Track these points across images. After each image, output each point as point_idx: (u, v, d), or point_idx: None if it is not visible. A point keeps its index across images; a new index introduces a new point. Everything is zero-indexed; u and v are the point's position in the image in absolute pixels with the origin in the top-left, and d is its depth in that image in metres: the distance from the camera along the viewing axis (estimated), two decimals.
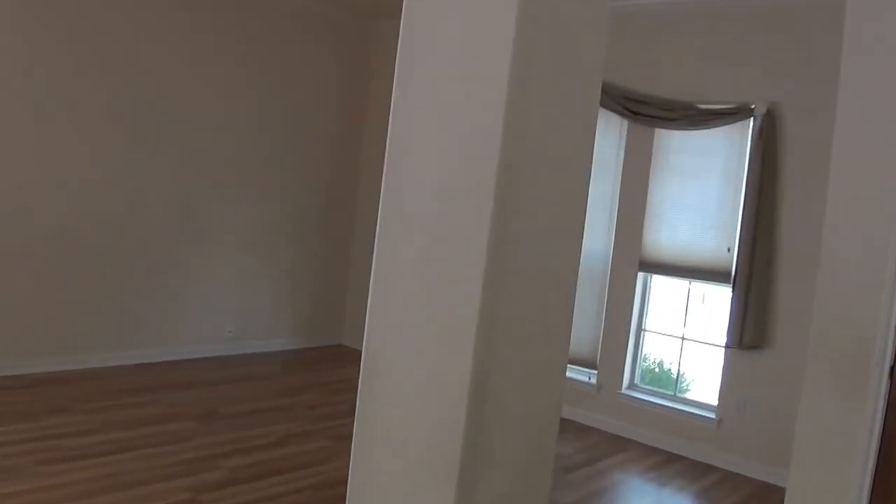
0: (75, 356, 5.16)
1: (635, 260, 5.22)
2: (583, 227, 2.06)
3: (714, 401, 4.89)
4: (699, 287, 5.14)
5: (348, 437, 2.21)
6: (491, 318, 1.68)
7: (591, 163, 2.03)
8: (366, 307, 2.07)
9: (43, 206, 4.93)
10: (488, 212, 1.66)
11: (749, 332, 4.58)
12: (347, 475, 2.16)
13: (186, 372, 5.48)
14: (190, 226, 5.68)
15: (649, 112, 5.09)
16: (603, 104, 5.22)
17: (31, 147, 4.84)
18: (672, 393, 5.19)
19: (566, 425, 5.30)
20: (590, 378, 5.47)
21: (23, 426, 4.11)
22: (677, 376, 5.31)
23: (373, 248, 2.02)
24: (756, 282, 4.58)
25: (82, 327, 5.20)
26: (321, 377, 5.79)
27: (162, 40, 5.37)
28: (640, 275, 5.24)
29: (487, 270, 1.66)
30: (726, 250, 4.79)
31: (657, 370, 5.74)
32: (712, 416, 4.86)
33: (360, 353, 2.21)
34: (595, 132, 2.03)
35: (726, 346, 4.73)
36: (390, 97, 2.01)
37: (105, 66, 5.10)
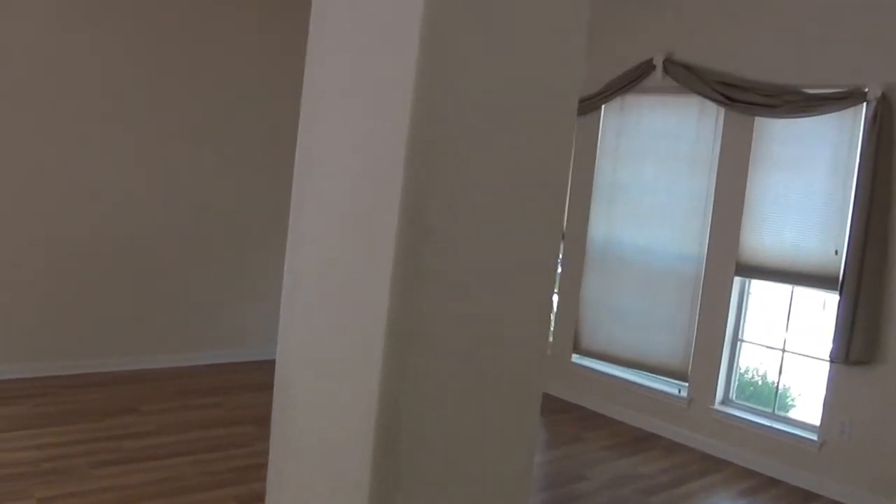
0: (149, 356, 5.21)
1: (731, 263, 4.73)
2: (557, 224, 1.67)
3: (816, 421, 4.35)
4: (807, 293, 4.60)
5: None
6: (403, 331, 1.36)
7: (569, 146, 1.64)
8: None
9: (115, 207, 4.99)
10: (396, 201, 1.34)
11: (857, 345, 4.03)
12: None
13: (257, 374, 5.42)
14: (266, 226, 5.63)
15: (748, 98, 4.59)
16: (696, 89, 4.79)
17: (101, 148, 4.90)
18: (770, 410, 4.67)
19: (652, 442, 4.88)
20: (679, 391, 5.02)
21: (87, 426, 4.13)
22: (777, 392, 4.78)
23: None
24: (866, 289, 4.02)
25: (156, 327, 5.23)
26: None
27: (203, 39, 5.33)
28: (737, 279, 4.75)
29: (396, 272, 1.34)
30: (833, 253, 4.24)
31: (755, 385, 5.21)
32: (814, 437, 4.32)
33: None
34: (574, 109, 1.65)
35: (831, 361, 4.19)
36: None
37: (151, 66, 5.10)
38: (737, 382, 4.88)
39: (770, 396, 4.82)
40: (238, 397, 4.88)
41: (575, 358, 5.58)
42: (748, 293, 4.82)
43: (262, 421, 4.41)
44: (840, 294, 4.13)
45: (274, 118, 5.52)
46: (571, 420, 5.19)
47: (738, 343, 4.83)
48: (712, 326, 4.82)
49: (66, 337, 4.89)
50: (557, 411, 5.31)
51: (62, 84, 4.69)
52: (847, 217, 4.16)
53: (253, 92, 5.46)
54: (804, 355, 4.57)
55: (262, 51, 5.48)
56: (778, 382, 4.75)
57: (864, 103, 4.11)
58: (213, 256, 5.42)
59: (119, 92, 4.90)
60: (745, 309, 4.83)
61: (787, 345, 4.64)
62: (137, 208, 5.06)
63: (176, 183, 5.21)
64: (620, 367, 5.33)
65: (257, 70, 5.46)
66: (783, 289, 4.64)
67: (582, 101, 5.09)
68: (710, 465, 4.59)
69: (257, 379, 5.28)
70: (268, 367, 5.46)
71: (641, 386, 5.19)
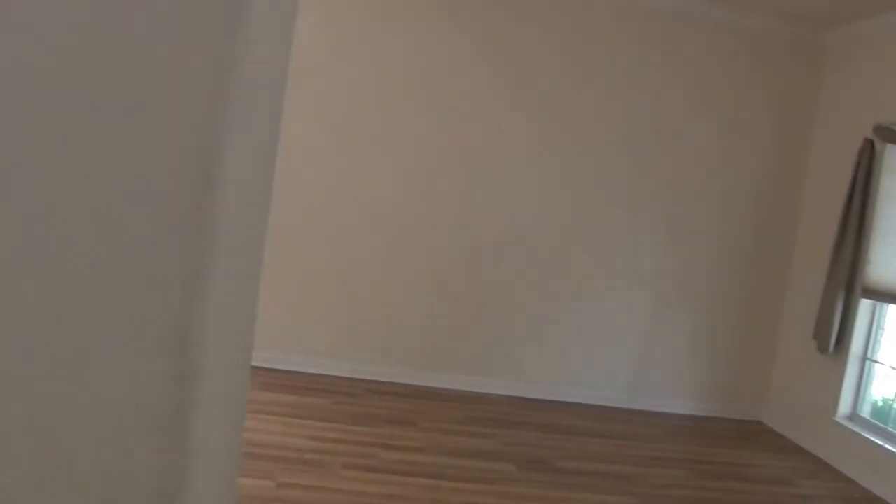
0: (452, 375, 5.31)
1: None
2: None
3: None
4: None
5: None
6: None
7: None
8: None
9: (439, 231, 5.21)
10: None
11: None
12: None
13: (550, 413, 5.15)
14: (592, 262, 5.38)
15: None
16: None
17: (438, 179, 5.18)
18: None
19: None
20: None
21: (362, 429, 4.34)
22: None
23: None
24: None
25: (467, 348, 5.32)
26: (709, 454, 4.83)
27: (565, 69, 5.23)
28: None
29: None
30: None
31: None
32: None
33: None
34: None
35: None
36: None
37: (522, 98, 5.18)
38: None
39: None
40: (516, 433, 4.67)
41: None
42: None
43: (528, 463, 4.18)
44: None
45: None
46: None
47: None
48: None
49: (386, 345, 5.25)
50: None
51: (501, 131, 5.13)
52: None
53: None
54: None
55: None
56: None
57: None
58: (532, 288, 5.34)
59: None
60: None
61: None
62: (465, 233, 5.24)
63: (508, 212, 5.27)
64: None
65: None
66: None
67: None
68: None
69: (543, 419, 5.02)
70: (561, 408, 5.25)
71: None
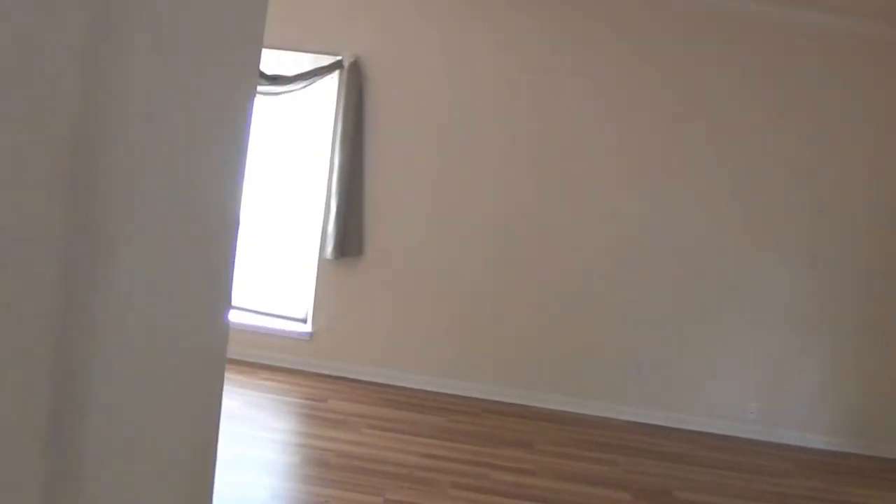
0: (572, 398, 5.21)
1: None
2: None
3: None
4: None
5: None
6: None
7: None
8: None
9: (559, 252, 5.16)
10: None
11: None
12: None
13: (673, 441, 4.94)
14: (720, 283, 5.13)
15: None
16: None
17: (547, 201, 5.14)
18: None
19: None
20: None
21: (476, 448, 4.34)
22: None
23: None
24: None
25: (588, 371, 5.21)
26: (844, 494, 4.48)
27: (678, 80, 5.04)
28: None
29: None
30: None
31: None
32: None
33: None
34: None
35: None
36: None
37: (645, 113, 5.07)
38: None
39: None
40: (638, 461, 4.52)
41: None
42: None
43: (646, 492, 4.04)
44: None
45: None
46: None
47: None
48: None
49: (506, 365, 5.24)
50: None
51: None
52: None
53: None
54: None
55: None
56: None
57: None
58: (660, 312, 5.16)
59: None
60: None
61: None
62: (592, 257, 5.16)
63: (633, 235, 5.14)
64: None
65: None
66: None
67: None
68: None
69: (670, 448, 4.82)
70: (686, 437, 5.01)
71: None
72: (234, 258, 1.47)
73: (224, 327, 1.54)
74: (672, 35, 5.03)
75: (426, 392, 5.18)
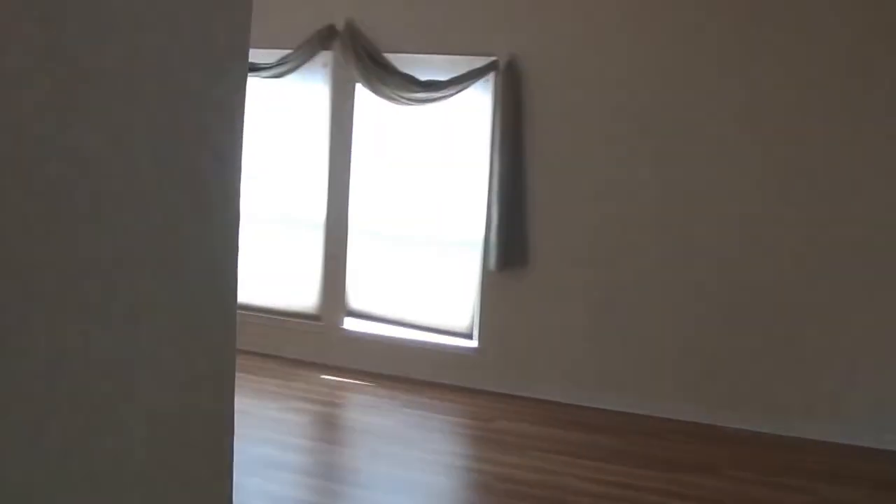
0: (764, 418, 4.62)
1: None
2: None
3: None
4: None
5: None
6: None
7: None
8: None
9: (728, 260, 4.64)
10: None
11: None
12: None
13: (883, 466, 4.24)
14: None
15: None
16: None
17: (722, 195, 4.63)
18: None
19: None
20: None
21: (656, 474, 3.94)
22: None
23: None
24: None
25: (788, 385, 4.61)
26: None
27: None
28: None
29: None
30: None
31: None
32: None
33: None
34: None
35: None
36: None
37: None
38: None
39: None
40: (841, 489, 3.90)
41: None
42: None
43: None
44: None
45: None
46: None
47: None
48: None
49: (688, 381, 4.78)
50: None
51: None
52: None
53: None
54: None
55: None
56: None
57: None
58: (869, 322, 4.50)
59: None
60: None
61: None
62: (784, 259, 4.60)
63: (793, 245, 4.53)
64: None
65: None
66: None
67: None
68: None
69: (876, 472, 4.15)
70: (886, 457, 4.25)
71: None
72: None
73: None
74: None
75: (599, 410, 4.82)
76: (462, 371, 5.14)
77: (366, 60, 5.02)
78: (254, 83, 5.49)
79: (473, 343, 5.16)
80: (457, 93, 4.91)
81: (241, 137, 1.27)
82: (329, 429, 4.46)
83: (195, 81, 1.17)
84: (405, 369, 5.22)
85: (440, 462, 3.99)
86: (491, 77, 4.90)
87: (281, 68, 5.24)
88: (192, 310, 1.23)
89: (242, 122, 1.28)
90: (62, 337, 0.97)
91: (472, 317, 5.17)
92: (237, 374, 4.92)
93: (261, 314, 5.62)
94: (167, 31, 1.10)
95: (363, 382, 5.13)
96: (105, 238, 1.02)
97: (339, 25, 5.14)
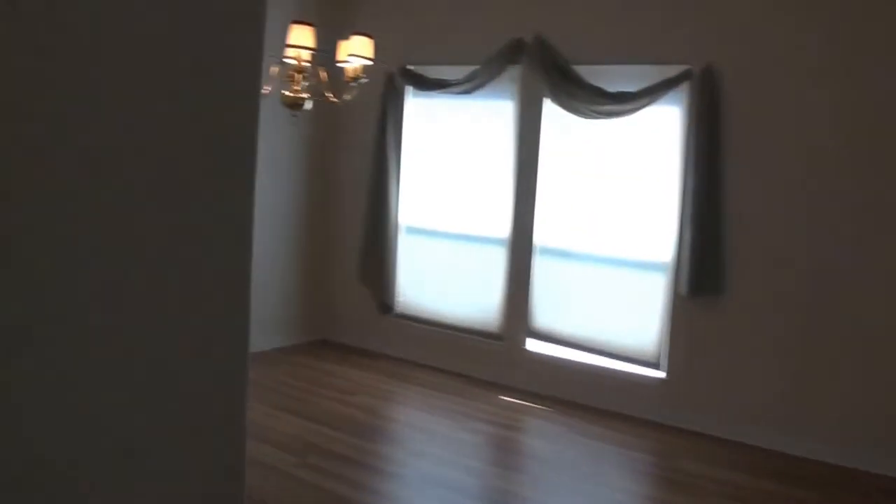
0: None
1: None
2: None
3: None
4: None
5: None
6: None
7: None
8: None
9: None
10: None
11: None
12: None
13: None
14: None
15: None
16: None
17: None
18: None
19: None
20: None
21: None
22: None
23: None
24: None
25: None
26: None
27: None
28: None
29: None
30: None
31: None
32: None
33: None
34: None
35: None
36: None
37: None
38: None
39: None
40: None
41: None
42: None
43: None
44: None
45: None
46: None
47: None
48: None
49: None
50: None
51: None
52: None
53: None
54: None
55: None
56: None
57: None
58: None
59: None
60: None
61: None
62: None
63: None
64: None
65: None
66: None
67: None
68: None
69: None
70: None
71: None
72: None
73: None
74: None
75: (798, 458, 4.25)
76: (646, 402, 4.80)
77: (554, 74, 4.88)
78: (443, 100, 5.55)
79: (660, 373, 4.79)
80: (648, 104, 4.61)
81: (255, 142, 1.22)
82: (502, 452, 4.33)
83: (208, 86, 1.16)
84: (586, 396, 4.97)
85: (613, 499, 3.71)
86: (684, 87, 4.55)
87: (469, 84, 5.24)
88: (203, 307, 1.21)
89: (256, 128, 1.23)
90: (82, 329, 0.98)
91: (660, 344, 4.81)
92: (419, 389, 4.99)
93: (443, 330, 5.64)
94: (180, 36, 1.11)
95: (541, 406, 4.95)
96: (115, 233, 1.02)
97: (528, 39, 5.04)
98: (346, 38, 3.86)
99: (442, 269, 5.68)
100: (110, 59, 1.02)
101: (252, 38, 1.19)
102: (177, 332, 1.14)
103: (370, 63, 3.79)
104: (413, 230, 5.82)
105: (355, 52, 3.71)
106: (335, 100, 3.96)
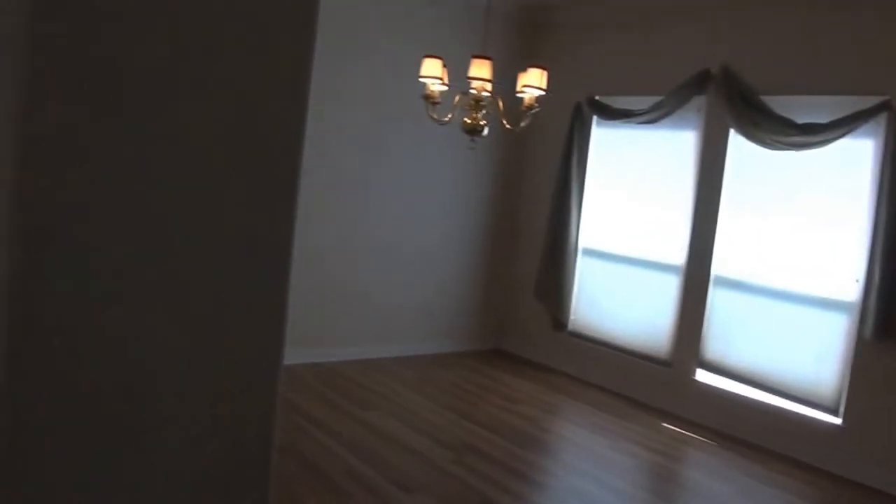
0: None
1: None
2: None
3: None
4: None
5: None
6: None
7: None
8: None
9: None
10: None
11: None
12: None
13: None
14: None
15: None
16: None
17: None
18: None
19: None
20: None
21: None
22: None
23: None
24: None
25: None
26: None
27: None
28: None
29: None
30: None
31: None
32: None
33: None
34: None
35: None
36: None
37: None
38: None
39: None
40: None
41: None
42: None
43: None
44: None
45: None
46: None
47: None
48: None
49: None
50: None
51: None
52: None
53: None
54: None
55: None
56: None
57: None
58: None
59: None
60: None
61: None
62: None
63: None
64: None
65: None
66: None
67: None
68: None
69: None
70: None
71: None
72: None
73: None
74: None
75: None
76: (820, 449, 4.57)
77: (739, 104, 4.81)
78: (627, 130, 5.65)
79: (837, 420, 4.54)
80: (839, 137, 4.42)
81: (301, 146, 1.39)
82: (654, 479, 4.34)
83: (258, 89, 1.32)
84: (752, 433, 4.83)
85: None
86: (883, 119, 4.30)
87: (654, 114, 5.29)
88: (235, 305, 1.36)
89: (303, 129, 1.38)
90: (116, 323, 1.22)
91: (839, 389, 4.56)
92: (582, 406, 5.13)
93: (613, 351, 5.71)
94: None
95: (704, 439, 4.87)
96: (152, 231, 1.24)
97: (714, 69, 5.01)
98: (524, 70, 4.12)
99: (616, 291, 5.76)
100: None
101: (299, 52, 1.32)
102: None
103: (543, 94, 4.02)
104: (590, 252, 5.96)
105: (530, 83, 3.95)
106: (510, 127, 4.23)
